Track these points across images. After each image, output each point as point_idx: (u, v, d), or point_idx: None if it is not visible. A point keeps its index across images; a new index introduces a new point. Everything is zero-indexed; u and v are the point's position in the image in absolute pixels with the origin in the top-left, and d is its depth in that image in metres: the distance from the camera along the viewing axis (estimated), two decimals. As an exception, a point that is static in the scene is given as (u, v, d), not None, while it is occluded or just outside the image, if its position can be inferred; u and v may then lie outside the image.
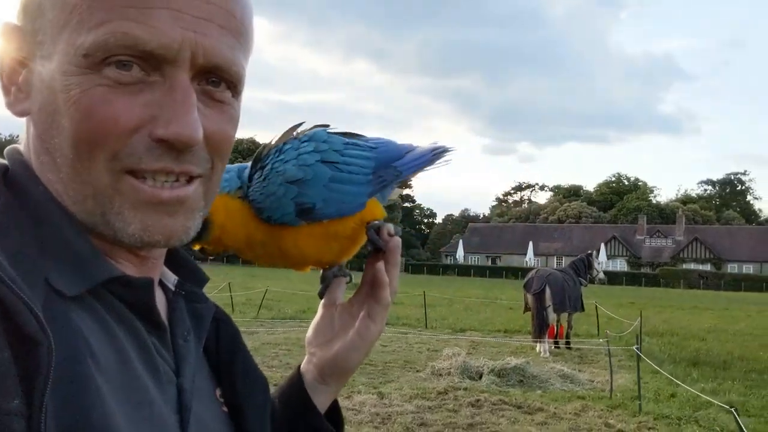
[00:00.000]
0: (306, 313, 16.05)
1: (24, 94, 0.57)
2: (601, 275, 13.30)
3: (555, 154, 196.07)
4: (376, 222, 0.85)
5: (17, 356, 0.44)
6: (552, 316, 11.49)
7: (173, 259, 0.68)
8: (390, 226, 0.85)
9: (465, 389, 7.91)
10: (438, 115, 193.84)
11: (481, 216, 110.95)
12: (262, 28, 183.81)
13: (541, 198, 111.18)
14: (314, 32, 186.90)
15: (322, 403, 0.84)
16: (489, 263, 77.98)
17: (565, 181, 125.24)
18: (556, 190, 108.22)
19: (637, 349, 7.52)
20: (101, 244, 0.57)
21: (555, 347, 11.71)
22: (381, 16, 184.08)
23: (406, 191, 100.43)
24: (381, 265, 0.82)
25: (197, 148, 0.56)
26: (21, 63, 0.57)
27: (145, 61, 0.53)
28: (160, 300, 0.63)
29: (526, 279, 12.30)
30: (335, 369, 0.84)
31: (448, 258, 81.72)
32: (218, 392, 0.68)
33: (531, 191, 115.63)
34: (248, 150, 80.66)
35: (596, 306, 14.60)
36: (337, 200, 0.82)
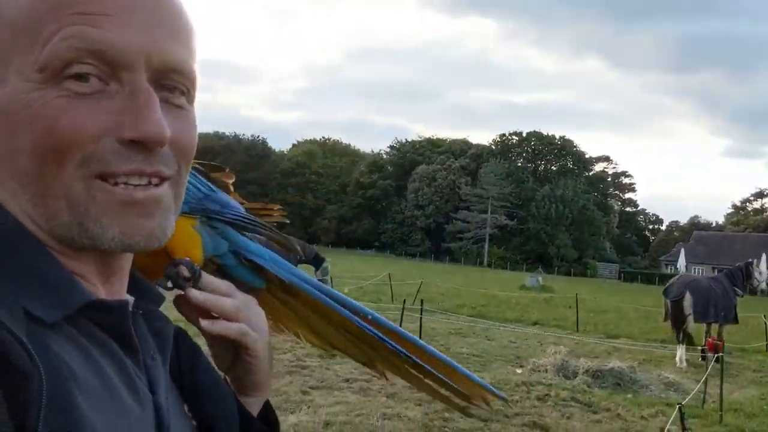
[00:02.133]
0: (462, 309, 16.71)
1: None
2: (764, 285, 12.10)
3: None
4: (183, 260, 0.79)
5: (7, 389, 0.44)
6: (692, 326, 10.84)
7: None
8: (185, 268, 0.77)
9: (542, 384, 8.06)
10: (674, 114, 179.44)
11: (713, 224, 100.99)
12: (489, 29, 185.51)
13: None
14: (541, 30, 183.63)
15: (254, 407, 0.81)
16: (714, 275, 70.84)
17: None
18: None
19: None
20: (71, 265, 0.58)
21: (701, 359, 11.01)
22: (612, 10, 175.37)
23: (628, 194, 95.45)
24: (188, 310, 0.76)
25: (165, 149, 0.58)
26: None
27: (101, 68, 0.54)
28: None
29: (666, 285, 11.72)
30: (240, 387, 0.81)
31: (669, 267, 75.85)
32: (186, 408, 0.70)
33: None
34: (460, 151, 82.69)
35: (766, 319, 13.30)
36: None
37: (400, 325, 0.83)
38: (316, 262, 14.53)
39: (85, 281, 0.59)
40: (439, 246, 76.40)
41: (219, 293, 0.77)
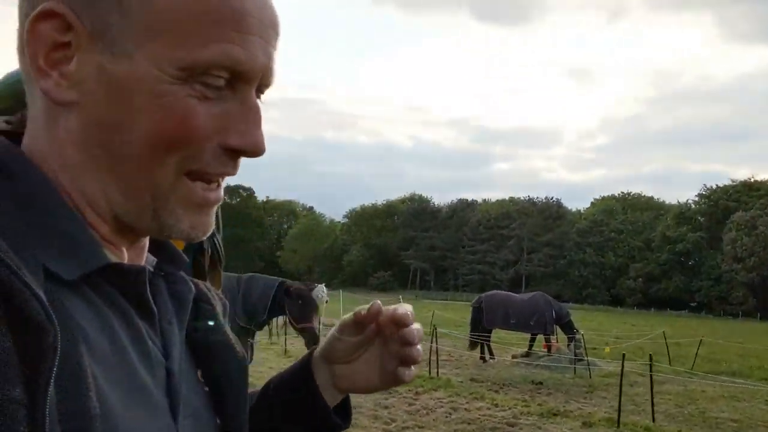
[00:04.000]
0: (757, 371, 14.53)
1: (70, 83, 0.56)
2: None
3: None
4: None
5: (20, 344, 0.44)
6: None
7: (151, 241, 0.68)
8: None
9: None
10: None
11: None
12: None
13: None
14: None
15: (330, 398, 0.85)
16: None
17: None
18: None
19: None
20: (99, 230, 0.59)
21: None
22: None
23: None
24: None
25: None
26: (64, 50, 0.56)
27: (231, 79, 0.58)
28: None
29: None
30: (352, 389, 0.86)
31: None
32: (199, 373, 0.70)
33: None
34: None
35: None
36: None
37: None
38: (569, 329, 14.01)
39: (106, 246, 0.60)
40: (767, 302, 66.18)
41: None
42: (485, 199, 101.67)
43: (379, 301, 0.80)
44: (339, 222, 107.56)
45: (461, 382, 11.29)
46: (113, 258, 0.59)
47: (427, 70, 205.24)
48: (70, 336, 0.48)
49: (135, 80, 0.55)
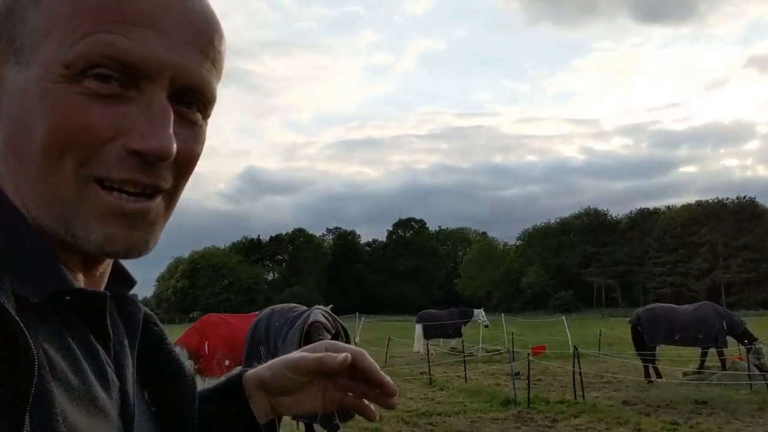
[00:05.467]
0: None
1: None
2: None
3: None
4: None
5: (4, 376, 0.44)
6: None
7: None
8: None
9: None
10: None
11: None
12: None
13: None
14: None
15: (262, 419, 0.82)
16: None
17: None
18: None
19: None
20: (58, 252, 0.58)
21: None
22: None
23: None
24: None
25: (166, 163, 0.58)
26: None
27: (125, 75, 0.55)
28: None
29: None
30: (290, 414, 0.85)
31: None
32: (146, 393, 0.69)
33: None
34: None
35: None
36: None
37: None
38: (746, 339, 12.62)
39: (67, 269, 0.58)
40: None
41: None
42: (669, 206, 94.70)
43: (349, 355, 0.77)
44: (513, 245, 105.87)
45: (611, 405, 10.63)
46: (76, 283, 0.58)
47: (590, 81, 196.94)
48: (39, 361, 0.47)
49: (31, 84, 0.56)
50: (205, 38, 0.60)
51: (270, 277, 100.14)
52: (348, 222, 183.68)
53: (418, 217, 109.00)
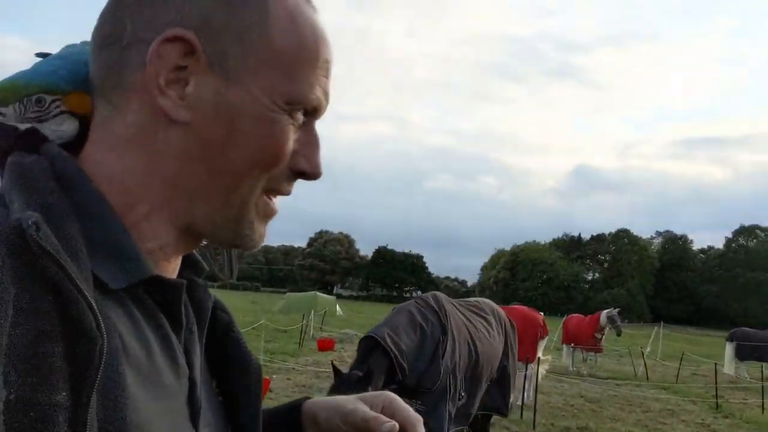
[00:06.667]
0: None
1: (186, 103, 0.61)
2: None
3: None
4: None
5: (70, 350, 0.47)
6: None
7: None
8: None
9: None
10: None
11: None
12: None
13: None
14: None
15: None
16: None
17: None
18: None
19: None
20: (144, 241, 0.61)
21: None
22: None
23: None
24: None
25: None
26: (181, 72, 0.61)
27: (308, 112, 0.66)
28: None
29: None
30: None
31: None
32: (214, 382, 0.72)
33: None
34: None
35: None
36: None
37: None
38: None
39: (151, 256, 0.62)
40: None
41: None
42: None
43: (396, 426, 0.74)
44: None
45: None
46: (156, 270, 0.61)
47: None
48: (112, 345, 0.50)
49: (248, 106, 0.61)
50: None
51: (590, 276, 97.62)
52: (682, 226, 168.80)
53: (765, 225, 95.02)
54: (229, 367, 0.73)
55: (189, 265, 0.71)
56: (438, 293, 4.95)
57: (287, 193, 0.68)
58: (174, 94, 0.60)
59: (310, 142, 0.66)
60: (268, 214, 0.67)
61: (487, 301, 6.14)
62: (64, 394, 0.46)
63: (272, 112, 0.62)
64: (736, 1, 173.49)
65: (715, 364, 13.54)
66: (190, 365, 0.64)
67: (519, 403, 8.90)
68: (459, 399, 4.72)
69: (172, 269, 0.67)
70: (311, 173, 0.67)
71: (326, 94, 0.66)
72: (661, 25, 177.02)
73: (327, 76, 0.66)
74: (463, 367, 4.68)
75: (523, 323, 10.20)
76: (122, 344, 0.53)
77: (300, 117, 0.64)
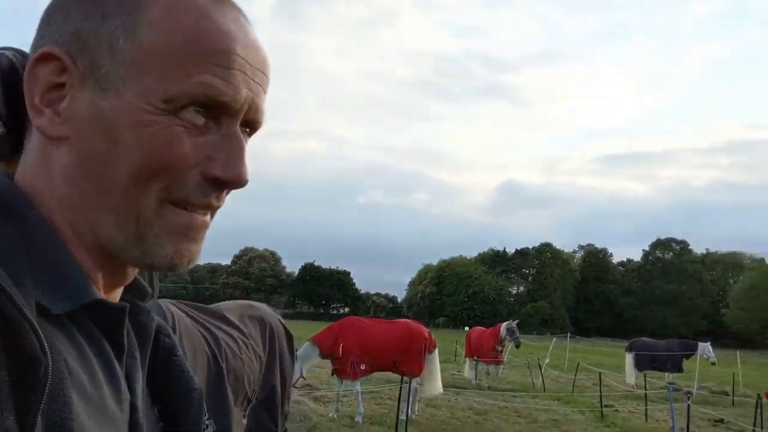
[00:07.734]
0: None
1: (62, 119, 0.59)
2: None
3: None
4: None
5: (15, 374, 0.46)
6: None
7: None
8: None
9: None
10: None
11: None
12: None
13: None
14: None
15: None
16: None
17: None
18: None
19: None
20: (85, 264, 0.61)
21: None
22: None
23: None
24: None
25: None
26: (59, 90, 0.60)
27: (212, 110, 0.61)
28: None
29: None
30: None
31: None
32: (156, 408, 0.70)
33: None
34: None
35: None
36: None
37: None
38: None
39: (91, 281, 0.61)
40: None
41: None
42: None
43: None
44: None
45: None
46: (99, 294, 0.60)
47: None
48: (57, 368, 0.50)
49: (122, 113, 0.58)
50: (266, 76, 0.66)
51: (515, 290, 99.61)
52: (603, 239, 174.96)
53: (680, 237, 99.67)
54: (171, 392, 0.72)
55: (131, 288, 0.69)
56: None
57: (209, 205, 0.64)
58: (50, 112, 0.60)
59: (228, 146, 0.62)
60: (179, 226, 0.62)
61: (257, 304, 5.02)
62: (11, 419, 0.45)
63: (150, 115, 0.59)
64: (654, 23, 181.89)
65: (600, 373, 13.81)
66: (131, 391, 0.63)
67: (403, 417, 8.88)
68: (204, 429, 3.82)
69: (115, 293, 0.66)
70: (227, 180, 0.62)
71: (232, 86, 0.61)
72: (585, 44, 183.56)
73: (230, 67, 0.61)
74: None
75: (408, 337, 10.29)
76: (68, 369, 0.53)
77: (194, 117, 0.60)
